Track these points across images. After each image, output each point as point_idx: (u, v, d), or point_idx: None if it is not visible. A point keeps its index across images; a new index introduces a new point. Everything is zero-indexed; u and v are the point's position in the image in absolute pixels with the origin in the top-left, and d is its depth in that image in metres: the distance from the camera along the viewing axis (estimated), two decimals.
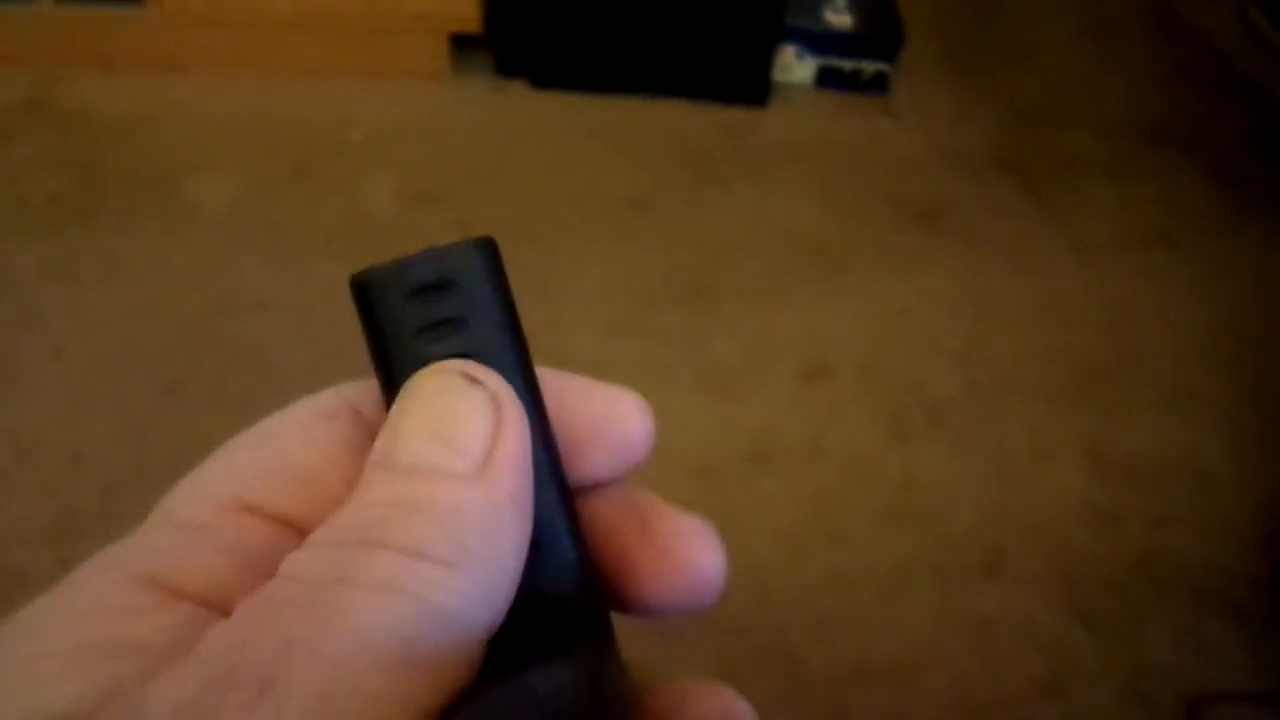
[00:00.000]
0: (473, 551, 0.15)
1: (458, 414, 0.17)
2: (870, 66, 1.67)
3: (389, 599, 0.14)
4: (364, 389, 0.19)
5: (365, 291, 0.18)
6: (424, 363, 0.18)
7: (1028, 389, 1.26)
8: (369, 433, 0.18)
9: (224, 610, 0.16)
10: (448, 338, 0.18)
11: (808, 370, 1.26)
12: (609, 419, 0.19)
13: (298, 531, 0.17)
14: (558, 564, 0.18)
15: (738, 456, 1.16)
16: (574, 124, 1.59)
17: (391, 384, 0.18)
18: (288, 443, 0.18)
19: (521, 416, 0.17)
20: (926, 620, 1.04)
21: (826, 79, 1.68)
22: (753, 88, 1.63)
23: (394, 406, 0.17)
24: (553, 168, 1.52)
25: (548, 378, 0.19)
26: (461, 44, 1.62)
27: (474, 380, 0.17)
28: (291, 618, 0.14)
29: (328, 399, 0.19)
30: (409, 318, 0.18)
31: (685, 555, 0.19)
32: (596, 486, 0.20)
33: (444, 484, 0.16)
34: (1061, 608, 1.05)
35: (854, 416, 1.22)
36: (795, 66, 1.67)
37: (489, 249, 0.19)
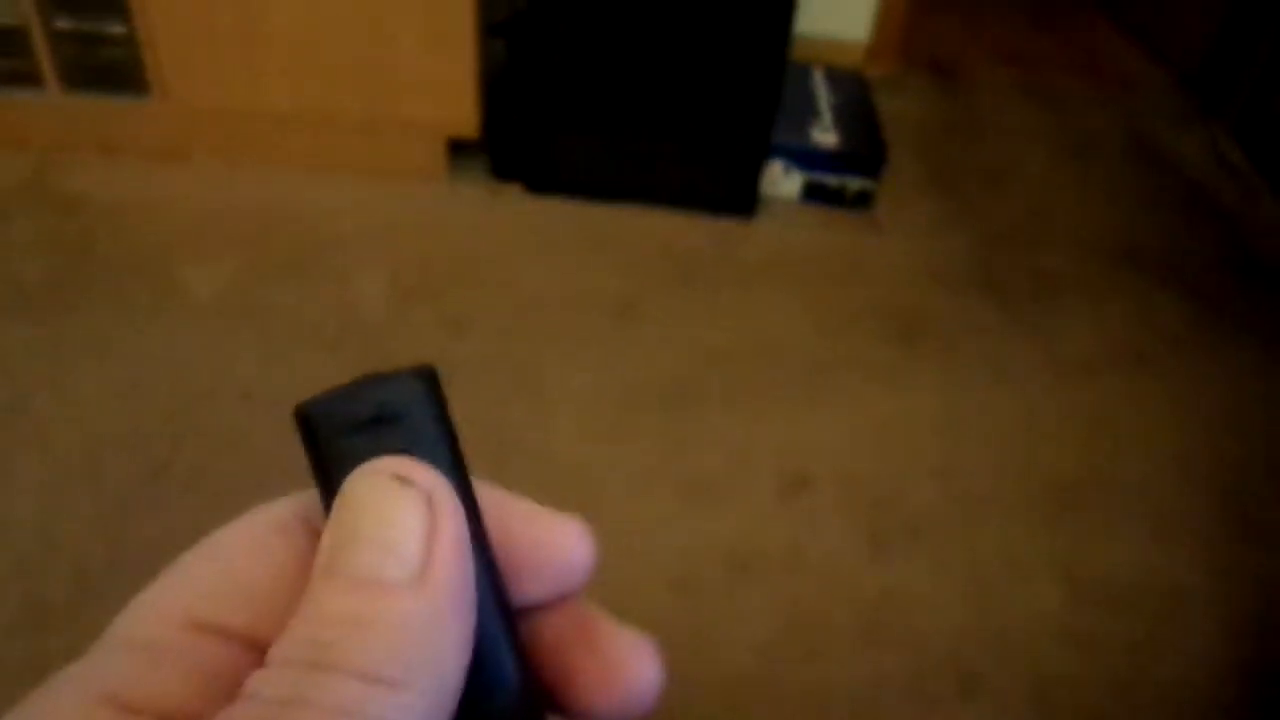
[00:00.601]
0: (417, 666, 0.16)
1: (391, 517, 0.17)
2: (855, 183, 1.72)
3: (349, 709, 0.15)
4: (316, 498, 0.19)
5: (309, 424, 0.19)
6: None
7: (1005, 506, 1.27)
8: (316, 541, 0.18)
9: None
10: None
11: (788, 481, 1.27)
12: (551, 544, 0.20)
13: (252, 647, 0.18)
14: (499, 682, 0.18)
15: (716, 565, 1.16)
16: (566, 229, 1.63)
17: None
18: (240, 558, 0.19)
19: (457, 510, 0.17)
20: None
21: (813, 193, 1.73)
22: (741, 200, 1.67)
23: (332, 511, 0.17)
24: (544, 270, 1.54)
25: (494, 500, 0.20)
26: (459, 148, 1.66)
27: (406, 480, 0.17)
28: None
29: (279, 510, 0.19)
30: (353, 450, 0.18)
31: (627, 668, 0.19)
32: (540, 606, 0.20)
33: (386, 597, 0.16)
34: None
35: (833, 529, 1.22)
36: (783, 181, 1.72)
37: (429, 380, 0.19)
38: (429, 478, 0.18)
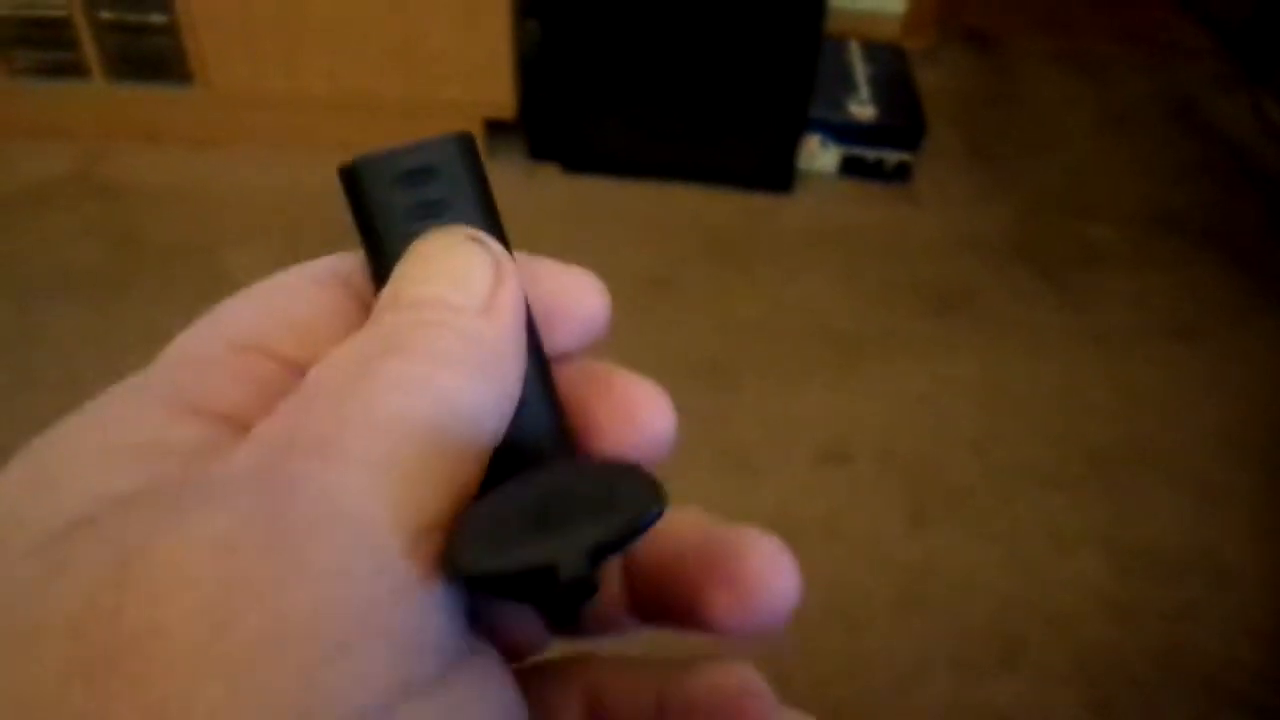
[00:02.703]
0: (485, 366, 0.17)
1: (464, 264, 0.18)
2: (893, 156, 1.71)
3: (416, 393, 0.16)
4: (351, 260, 0.20)
5: (355, 178, 0.19)
6: (414, 239, 0.19)
7: (1045, 477, 1.27)
8: (358, 301, 0.20)
9: (248, 429, 0.16)
10: (433, 218, 0.19)
11: (826, 453, 1.27)
12: (570, 295, 0.21)
13: (298, 371, 0.18)
14: (537, 420, 0.19)
15: None
16: (603, 207, 1.64)
17: (382, 260, 0.19)
18: (283, 299, 0.20)
19: (517, 275, 0.19)
20: (942, 712, 1.03)
21: (850, 168, 1.72)
22: (778, 175, 1.67)
23: (400, 264, 0.18)
24: (581, 248, 1.55)
25: (519, 257, 0.21)
26: (495, 129, 1.67)
27: (478, 241, 0.19)
28: (337, 399, 0.16)
29: (314, 268, 0.20)
30: (396, 201, 0.19)
31: (640, 408, 0.21)
32: (562, 356, 0.21)
33: (456, 312, 0.17)
34: (1079, 702, 1.05)
35: (871, 501, 1.23)
36: (819, 155, 1.71)
37: (468, 141, 0.20)
38: (498, 246, 0.19)
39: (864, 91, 1.77)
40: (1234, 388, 1.42)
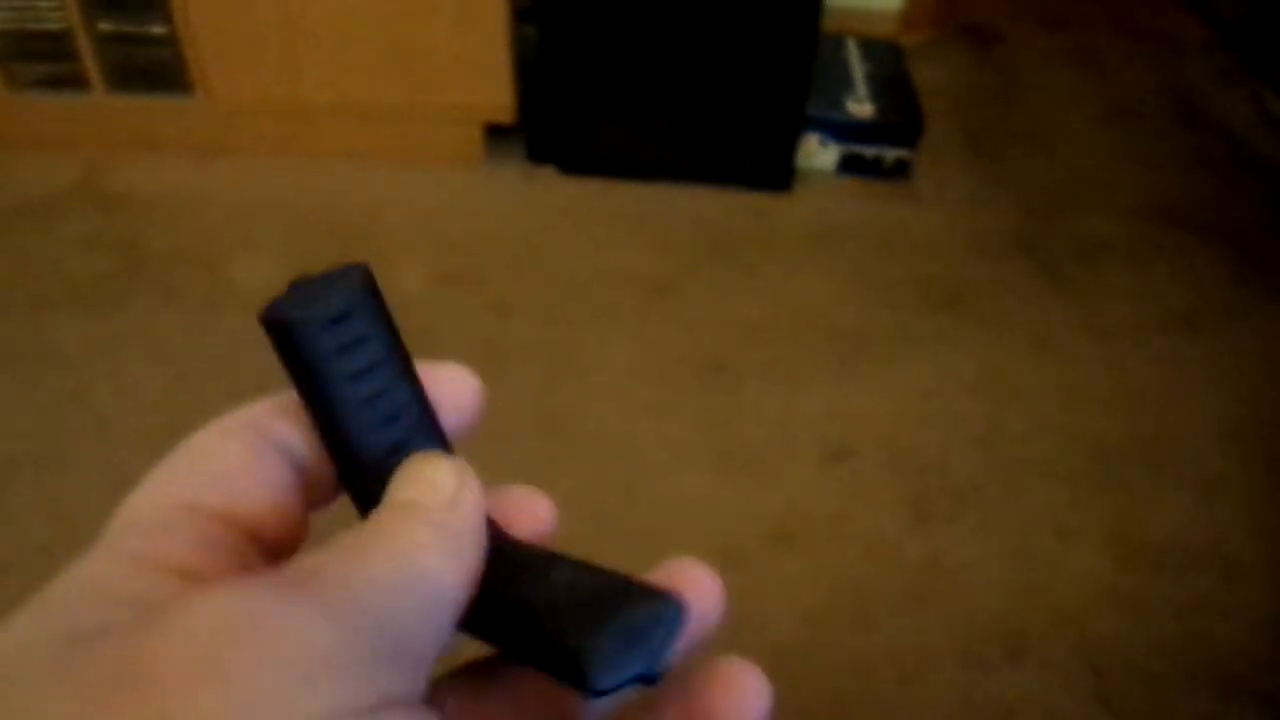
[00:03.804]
0: (449, 547, 0.21)
1: (435, 475, 0.22)
2: (892, 153, 1.71)
3: (400, 558, 0.20)
4: (261, 407, 0.23)
5: (286, 333, 0.22)
6: (348, 382, 0.22)
7: (1050, 472, 1.27)
8: (268, 441, 0.23)
9: (196, 578, 0.19)
10: (356, 357, 0.22)
11: (830, 451, 1.28)
12: (445, 393, 0.25)
13: (234, 525, 0.21)
14: (408, 412, 0.23)
15: (761, 536, 1.17)
16: (602, 208, 1.64)
17: (323, 405, 0.22)
18: (203, 457, 0.22)
19: (475, 480, 0.22)
20: (949, 706, 1.04)
21: (850, 165, 1.72)
22: (777, 174, 1.67)
23: (392, 480, 0.22)
24: (581, 250, 1.56)
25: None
26: (495, 133, 1.68)
27: (447, 459, 0.23)
28: (333, 564, 0.19)
29: (229, 422, 0.23)
30: (326, 348, 0.22)
31: (533, 505, 0.26)
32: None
33: (431, 508, 0.21)
34: (1086, 695, 1.05)
35: (877, 497, 1.23)
36: (819, 154, 1.71)
37: (367, 273, 0.23)
38: (459, 460, 0.23)
39: (862, 89, 1.77)
40: (1237, 380, 1.42)
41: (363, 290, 0.23)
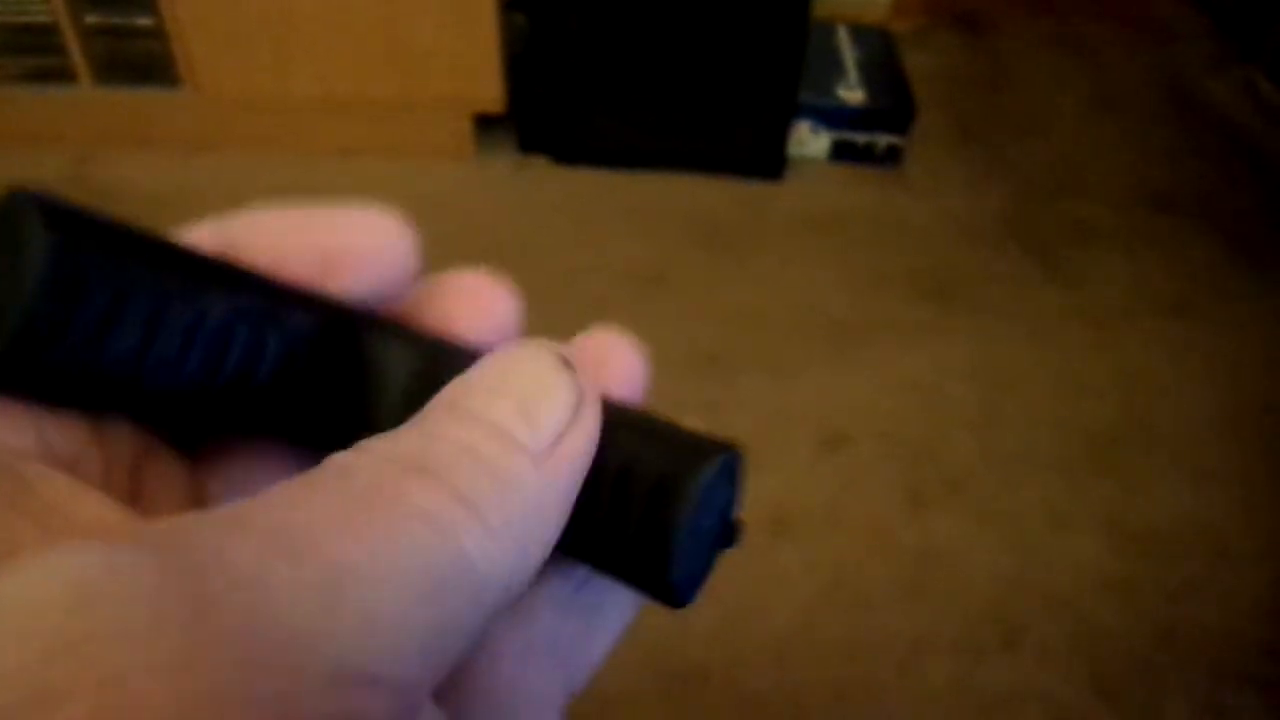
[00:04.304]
0: (515, 526, 0.15)
1: (543, 392, 0.16)
2: (883, 140, 1.71)
3: (429, 532, 0.14)
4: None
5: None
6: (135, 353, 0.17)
7: (1044, 459, 1.27)
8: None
9: None
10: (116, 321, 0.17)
11: (824, 440, 1.28)
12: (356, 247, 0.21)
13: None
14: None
15: (756, 526, 1.17)
16: (593, 199, 1.63)
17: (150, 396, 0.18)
18: None
19: (597, 416, 0.17)
20: (944, 693, 1.04)
21: (841, 152, 1.72)
22: (768, 162, 1.67)
23: (480, 364, 0.17)
24: (572, 241, 1.55)
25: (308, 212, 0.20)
26: (485, 123, 1.67)
27: (567, 365, 0.17)
28: (343, 518, 0.14)
29: None
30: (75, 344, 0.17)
31: (479, 298, 0.21)
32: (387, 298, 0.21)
33: (511, 451, 0.15)
34: (1081, 682, 1.05)
35: (871, 486, 1.23)
36: (810, 141, 1.71)
37: (40, 201, 0.17)
38: (588, 376, 0.17)
39: (853, 75, 1.77)
40: (1230, 365, 1.42)
41: (48, 227, 0.15)
